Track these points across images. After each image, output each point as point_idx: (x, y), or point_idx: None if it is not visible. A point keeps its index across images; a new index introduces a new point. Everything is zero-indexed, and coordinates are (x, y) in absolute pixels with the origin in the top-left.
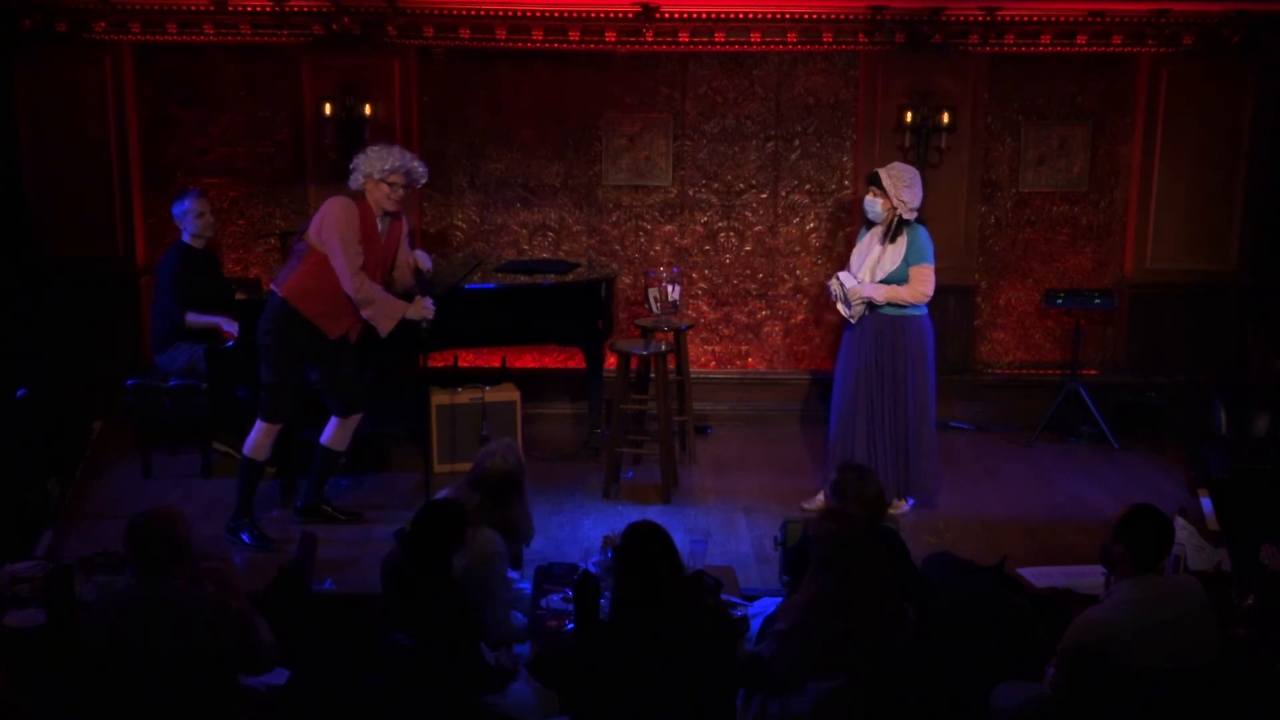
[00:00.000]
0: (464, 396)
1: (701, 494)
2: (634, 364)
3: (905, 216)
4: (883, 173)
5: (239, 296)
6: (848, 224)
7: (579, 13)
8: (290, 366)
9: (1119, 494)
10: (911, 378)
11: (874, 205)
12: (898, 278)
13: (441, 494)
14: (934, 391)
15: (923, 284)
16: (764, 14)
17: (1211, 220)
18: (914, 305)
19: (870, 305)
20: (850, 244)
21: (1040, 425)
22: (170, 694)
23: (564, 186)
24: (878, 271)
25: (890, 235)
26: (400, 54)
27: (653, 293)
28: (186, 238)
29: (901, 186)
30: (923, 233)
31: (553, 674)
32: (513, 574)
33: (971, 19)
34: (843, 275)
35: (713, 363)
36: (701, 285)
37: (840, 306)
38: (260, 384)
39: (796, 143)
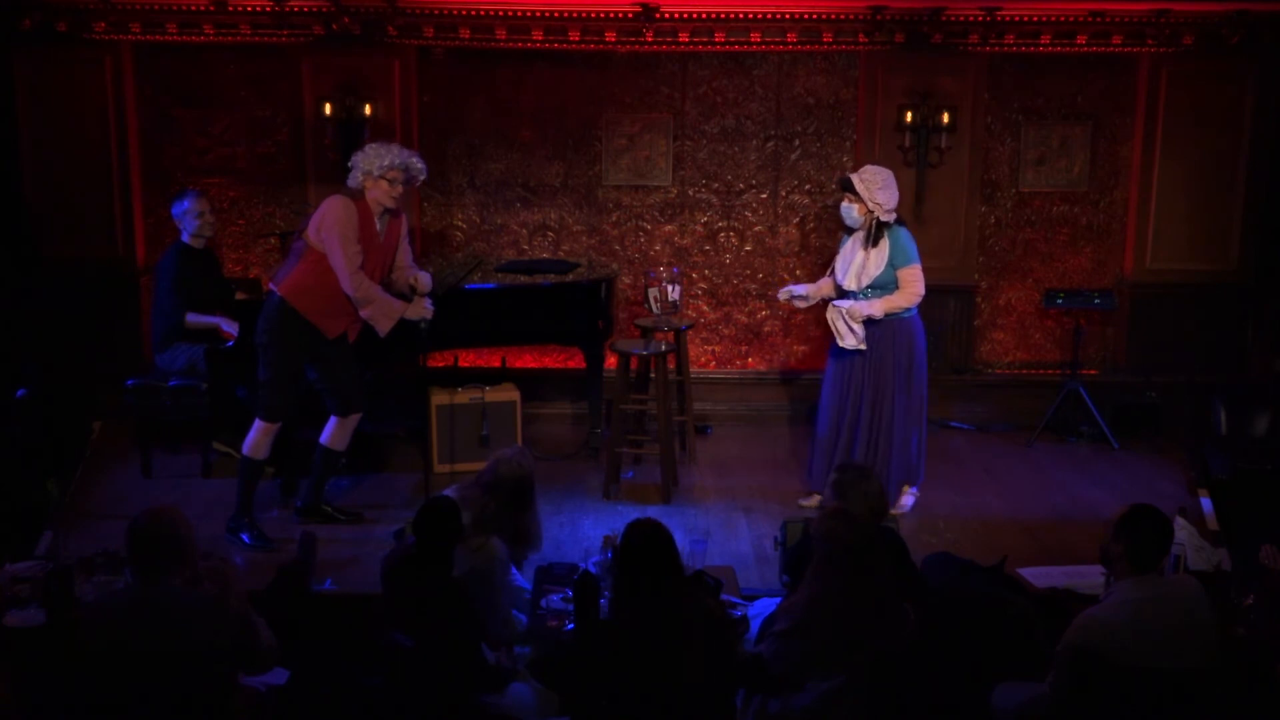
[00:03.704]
0: (464, 396)
1: (701, 494)
2: (634, 364)
3: (883, 219)
4: (854, 177)
5: (239, 296)
6: None
7: (579, 13)
8: (288, 365)
9: (1119, 494)
10: (898, 378)
11: (850, 211)
12: (884, 281)
13: (443, 494)
14: (924, 390)
15: (914, 284)
16: (764, 14)
17: (1211, 220)
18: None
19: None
20: None
21: (1040, 425)
22: (170, 694)
23: (564, 186)
24: (863, 277)
25: (872, 239)
26: (400, 54)
27: (653, 293)
28: (186, 238)
29: (875, 189)
30: (904, 233)
31: (553, 674)
32: (516, 575)
33: (971, 19)
34: (839, 303)
35: (713, 363)
36: (701, 285)
37: (848, 340)
38: (258, 383)
39: (796, 143)
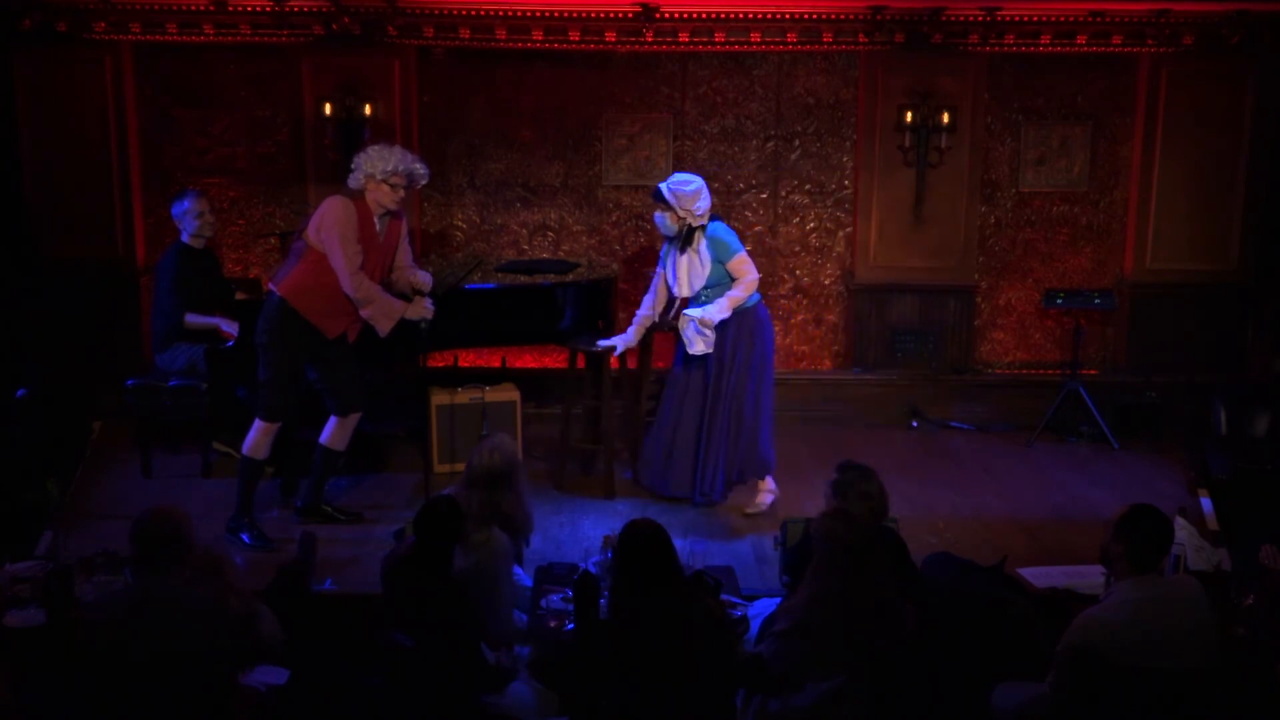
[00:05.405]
0: (464, 396)
1: None
2: (581, 362)
3: (694, 224)
4: (664, 187)
5: (239, 296)
6: (847, 224)
7: (579, 13)
8: (288, 365)
9: (1119, 494)
10: (751, 370)
11: (663, 220)
12: (717, 279)
13: (443, 494)
14: (757, 379)
15: (748, 272)
16: (764, 14)
17: (1211, 220)
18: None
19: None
20: (850, 244)
21: (1040, 425)
22: (169, 694)
23: (564, 186)
24: (695, 282)
25: (687, 243)
26: (400, 54)
27: None
28: (186, 238)
29: (685, 199)
30: (717, 227)
31: (553, 674)
32: (519, 572)
33: (971, 19)
34: (689, 312)
35: None
36: None
37: (697, 347)
38: (258, 383)
39: (796, 143)
